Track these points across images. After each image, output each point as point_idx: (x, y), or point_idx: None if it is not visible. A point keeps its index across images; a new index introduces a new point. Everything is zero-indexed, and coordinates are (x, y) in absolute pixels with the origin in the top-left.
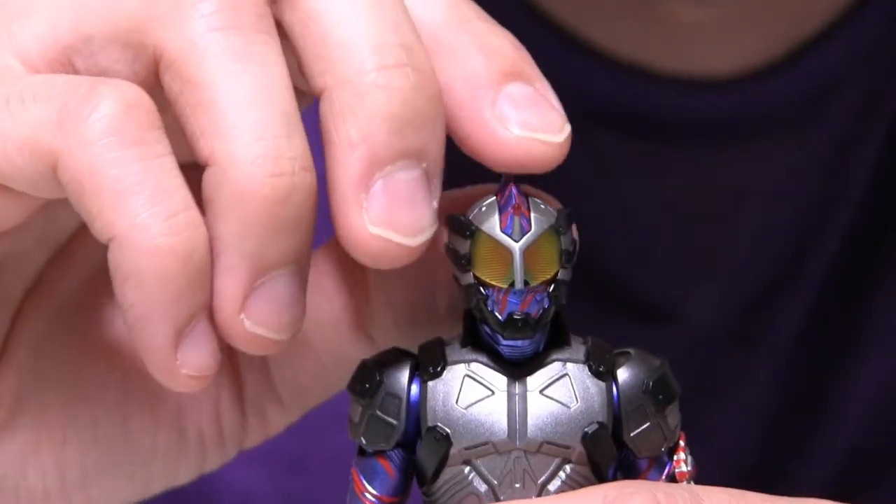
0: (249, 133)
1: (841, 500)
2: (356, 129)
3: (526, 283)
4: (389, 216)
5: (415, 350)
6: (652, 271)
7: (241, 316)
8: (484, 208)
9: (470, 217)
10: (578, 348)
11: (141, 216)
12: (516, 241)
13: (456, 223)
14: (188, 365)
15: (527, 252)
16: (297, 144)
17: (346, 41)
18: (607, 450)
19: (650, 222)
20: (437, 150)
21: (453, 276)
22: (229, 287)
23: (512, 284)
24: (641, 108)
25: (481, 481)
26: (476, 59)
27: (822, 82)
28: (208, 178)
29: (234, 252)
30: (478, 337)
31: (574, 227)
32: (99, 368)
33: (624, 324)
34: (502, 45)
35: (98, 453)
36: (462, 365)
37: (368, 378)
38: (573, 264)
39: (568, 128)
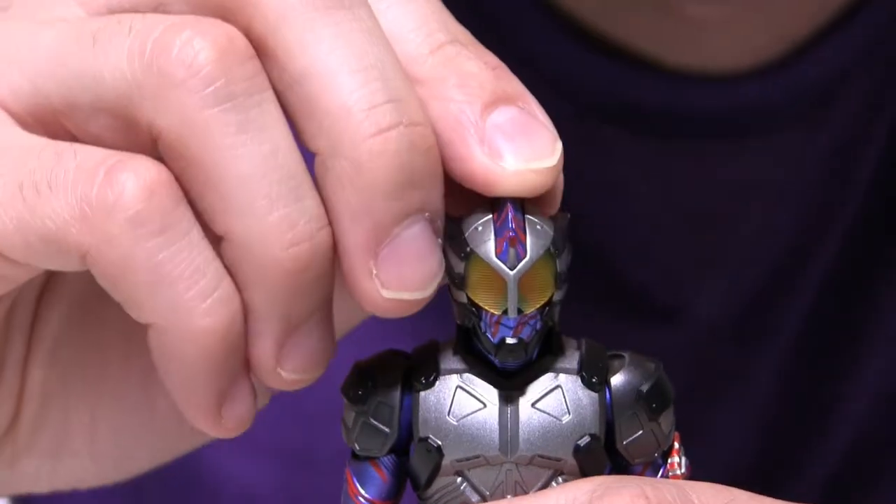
0: (261, 208)
1: (840, 498)
2: (357, 202)
3: (519, 310)
4: (400, 278)
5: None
6: (655, 268)
7: (277, 370)
8: (480, 227)
9: (465, 235)
10: (572, 355)
11: (178, 304)
12: (511, 270)
13: (452, 238)
14: (231, 419)
15: (522, 280)
16: (310, 205)
17: (336, 107)
18: (599, 461)
19: (654, 218)
20: (438, 196)
21: (447, 286)
22: (264, 350)
23: (506, 311)
24: (646, 103)
25: (473, 492)
26: (456, 94)
27: (826, 80)
28: (227, 251)
29: (264, 318)
30: (471, 344)
31: (568, 246)
32: (118, 348)
33: (626, 321)
34: (478, 69)
35: (126, 424)
36: (455, 376)
37: (361, 384)
38: (568, 283)
39: (559, 145)
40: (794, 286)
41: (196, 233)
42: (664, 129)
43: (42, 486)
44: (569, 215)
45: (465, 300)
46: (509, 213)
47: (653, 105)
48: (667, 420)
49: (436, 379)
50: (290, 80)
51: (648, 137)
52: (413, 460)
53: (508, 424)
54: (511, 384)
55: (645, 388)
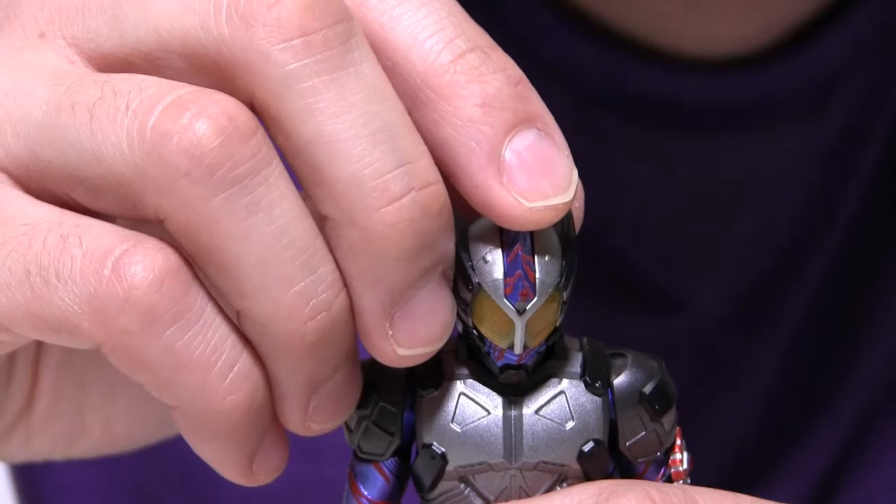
0: (276, 288)
1: (841, 487)
2: (371, 269)
3: (525, 346)
4: (416, 336)
5: None
6: (657, 259)
7: (307, 423)
8: (488, 258)
9: (474, 262)
10: (574, 358)
11: (199, 387)
12: (520, 314)
13: (461, 265)
14: (263, 472)
15: (529, 321)
16: (325, 272)
17: (346, 177)
18: (603, 465)
19: (655, 207)
20: (450, 249)
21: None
22: (292, 412)
23: (511, 346)
24: (645, 92)
25: (477, 497)
26: (477, 114)
27: (829, 69)
28: (246, 326)
29: (289, 385)
30: (473, 349)
31: (576, 259)
32: None
33: (628, 311)
34: (500, 85)
35: (143, 407)
36: (458, 382)
37: (364, 387)
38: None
39: (576, 174)
40: (796, 275)
41: (209, 311)
42: (664, 119)
43: (57, 457)
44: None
45: (470, 324)
46: (519, 253)
47: (652, 94)
48: (669, 419)
49: (439, 384)
50: (297, 148)
51: (648, 126)
52: (417, 465)
53: (512, 431)
54: (514, 391)
55: (648, 389)
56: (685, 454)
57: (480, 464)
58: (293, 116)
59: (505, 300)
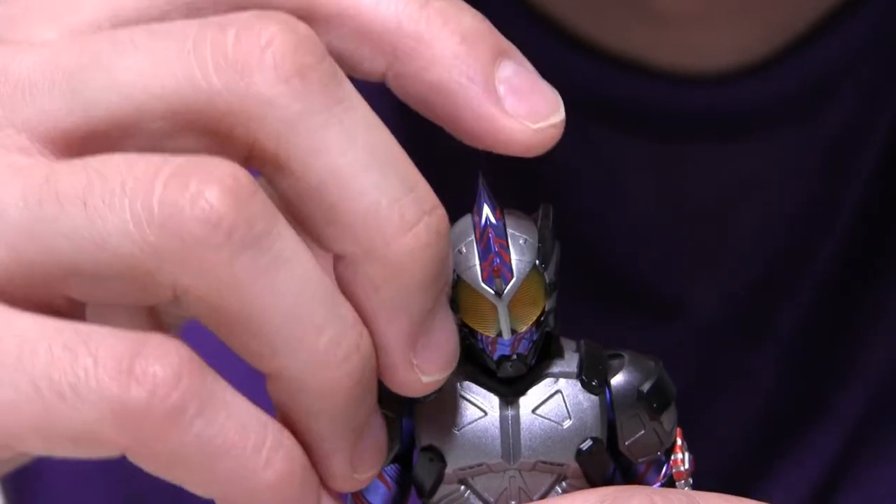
0: (309, 338)
1: (838, 490)
2: (393, 301)
3: (513, 330)
4: (438, 363)
5: None
6: (653, 265)
7: (353, 476)
8: (464, 249)
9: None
10: (571, 358)
11: (235, 471)
12: (500, 296)
13: None
14: None
15: (512, 302)
16: (347, 312)
17: (361, 211)
18: (603, 464)
19: (650, 216)
20: (451, 272)
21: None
22: (339, 467)
23: (500, 333)
24: (634, 103)
25: (477, 499)
26: (462, 50)
27: (821, 78)
28: (279, 389)
29: (333, 438)
30: (469, 351)
31: (556, 245)
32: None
33: (626, 318)
34: (472, 22)
35: None
36: (455, 384)
37: None
38: (558, 289)
39: (558, 95)
40: (793, 282)
41: (228, 392)
42: (655, 129)
43: None
44: (551, 206)
45: (459, 322)
46: (490, 235)
47: (648, 104)
48: (669, 418)
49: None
50: (307, 190)
51: (645, 135)
52: (416, 469)
53: (510, 431)
54: (511, 391)
55: (645, 387)
56: (686, 454)
57: (479, 465)
58: (302, 158)
59: (482, 284)
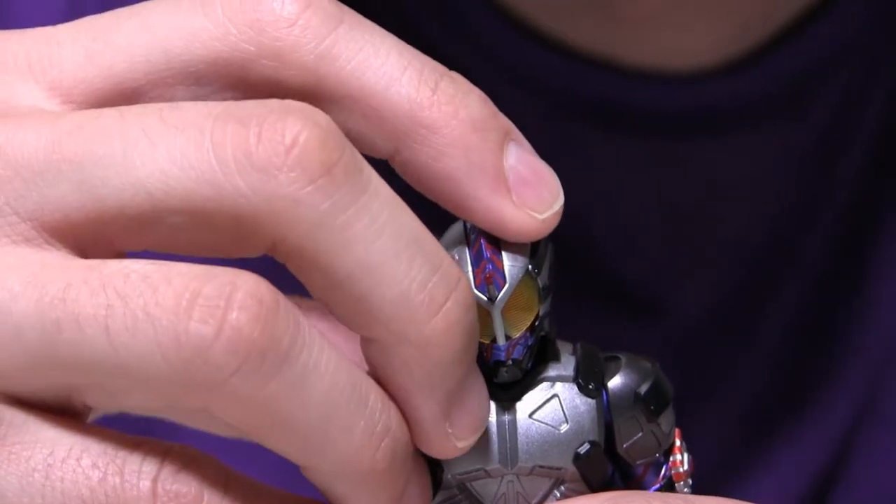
0: (341, 439)
1: (828, 492)
2: (427, 379)
3: (508, 336)
4: (472, 426)
5: None
6: (637, 264)
7: None
8: (456, 255)
9: None
10: (568, 361)
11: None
12: (493, 301)
13: None
14: None
15: (505, 308)
16: (375, 398)
17: (392, 297)
18: (601, 467)
19: (633, 214)
20: (478, 338)
21: None
22: None
23: (494, 339)
24: (622, 101)
25: None
26: (472, 139)
27: (804, 74)
28: (314, 478)
29: None
30: None
31: (549, 248)
32: None
33: (613, 317)
34: (480, 107)
35: None
36: None
37: None
38: (552, 293)
39: (559, 181)
40: (778, 280)
41: None
42: (641, 127)
43: None
44: None
45: None
46: (482, 242)
47: (628, 103)
48: (667, 420)
49: None
50: (337, 282)
51: (625, 135)
52: None
53: (507, 437)
54: (507, 396)
55: (643, 389)
56: (685, 455)
57: (477, 470)
58: (331, 253)
59: (475, 291)
